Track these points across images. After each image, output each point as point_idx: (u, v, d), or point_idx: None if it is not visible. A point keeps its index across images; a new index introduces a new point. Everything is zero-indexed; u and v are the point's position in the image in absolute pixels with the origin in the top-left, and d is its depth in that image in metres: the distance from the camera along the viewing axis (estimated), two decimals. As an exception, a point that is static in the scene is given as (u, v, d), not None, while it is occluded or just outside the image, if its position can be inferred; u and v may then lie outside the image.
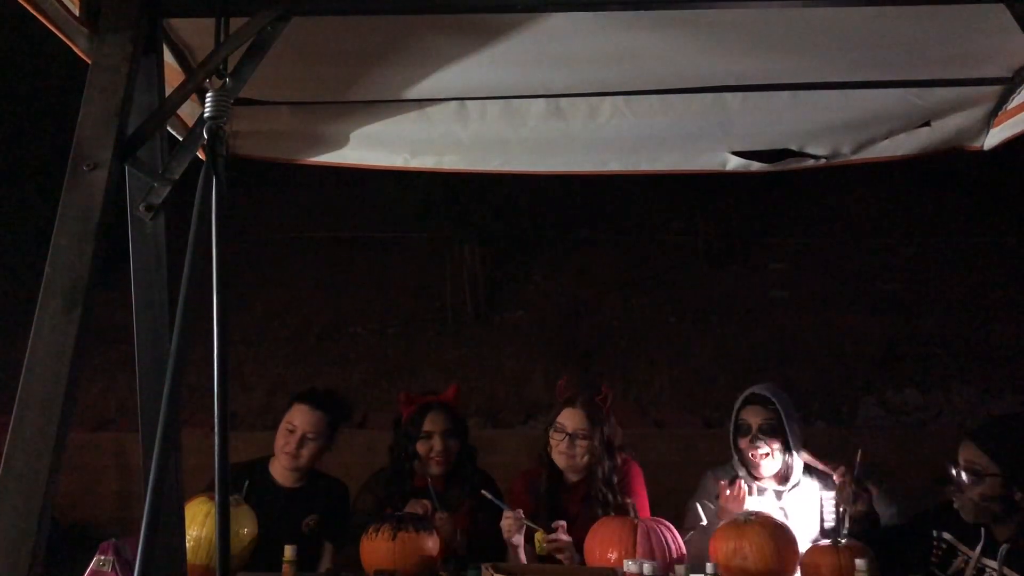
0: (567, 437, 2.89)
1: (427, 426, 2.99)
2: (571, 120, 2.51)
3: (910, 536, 2.64)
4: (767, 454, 2.90)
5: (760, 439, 2.90)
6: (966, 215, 8.09)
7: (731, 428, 3.01)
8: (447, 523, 2.75)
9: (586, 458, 2.89)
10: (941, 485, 2.50)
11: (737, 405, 3.00)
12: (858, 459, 2.69)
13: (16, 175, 7.03)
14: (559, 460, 2.93)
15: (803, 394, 6.31)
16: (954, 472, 2.47)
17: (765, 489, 2.94)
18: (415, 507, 2.77)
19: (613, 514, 2.76)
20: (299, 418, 2.98)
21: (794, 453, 2.91)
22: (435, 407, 3.04)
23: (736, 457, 3.00)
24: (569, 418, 2.91)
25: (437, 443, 2.97)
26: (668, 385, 6.51)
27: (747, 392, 3.00)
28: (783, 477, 2.94)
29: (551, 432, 2.95)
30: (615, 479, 2.89)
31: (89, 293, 1.40)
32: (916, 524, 2.66)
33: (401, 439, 3.04)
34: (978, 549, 2.46)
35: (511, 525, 2.66)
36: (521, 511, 2.69)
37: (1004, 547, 2.38)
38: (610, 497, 2.85)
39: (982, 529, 2.45)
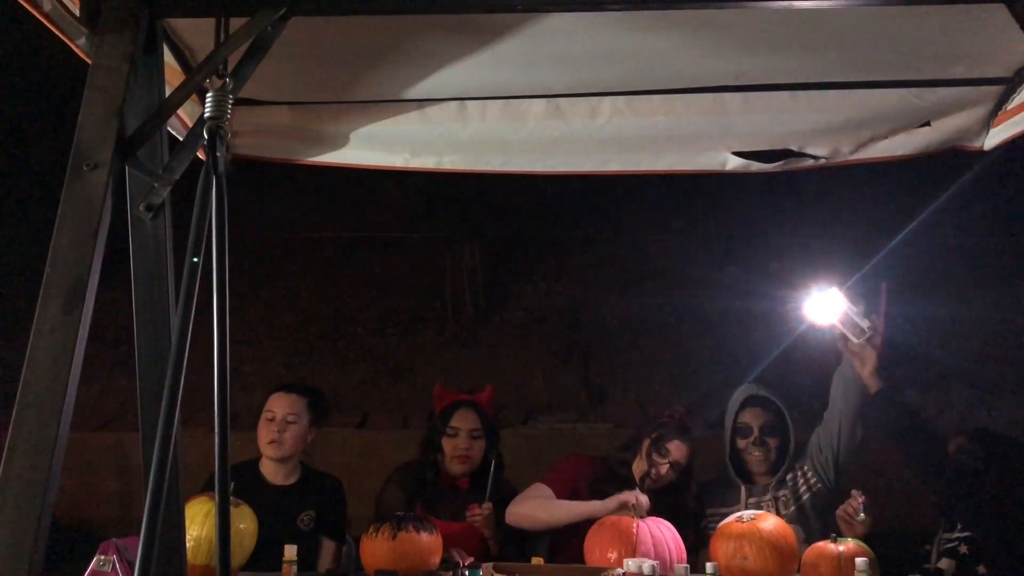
0: (669, 466, 2.93)
1: (455, 422, 3.00)
2: (571, 120, 2.51)
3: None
4: (768, 453, 2.93)
5: (764, 440, 2.92)
6: (967, 215, 8.08)
7: (728, 429, 3.01)
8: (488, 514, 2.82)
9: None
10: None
11: (736, 407, 3.00)
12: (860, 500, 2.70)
13: (16, 175, 7.03)
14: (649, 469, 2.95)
15: (803, 394, 6.30)
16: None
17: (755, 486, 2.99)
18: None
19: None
20: (276, 404, 3.00)
21: (789, 446, 2.98)
22: (466, 405, 3.04)
23: (730, 463, 3.01)
24: (677, 448, 2.94)
25: (462, 441, 2.98)
26: (668, 385, 6.50)
27: (746, 394, 3.00)
28: (772, 470, 2.97)
29: (654, 448, 2.93)
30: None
31: (89, 293, 1.40)
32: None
33: (430, 432, 3.05)
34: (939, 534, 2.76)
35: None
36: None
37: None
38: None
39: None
